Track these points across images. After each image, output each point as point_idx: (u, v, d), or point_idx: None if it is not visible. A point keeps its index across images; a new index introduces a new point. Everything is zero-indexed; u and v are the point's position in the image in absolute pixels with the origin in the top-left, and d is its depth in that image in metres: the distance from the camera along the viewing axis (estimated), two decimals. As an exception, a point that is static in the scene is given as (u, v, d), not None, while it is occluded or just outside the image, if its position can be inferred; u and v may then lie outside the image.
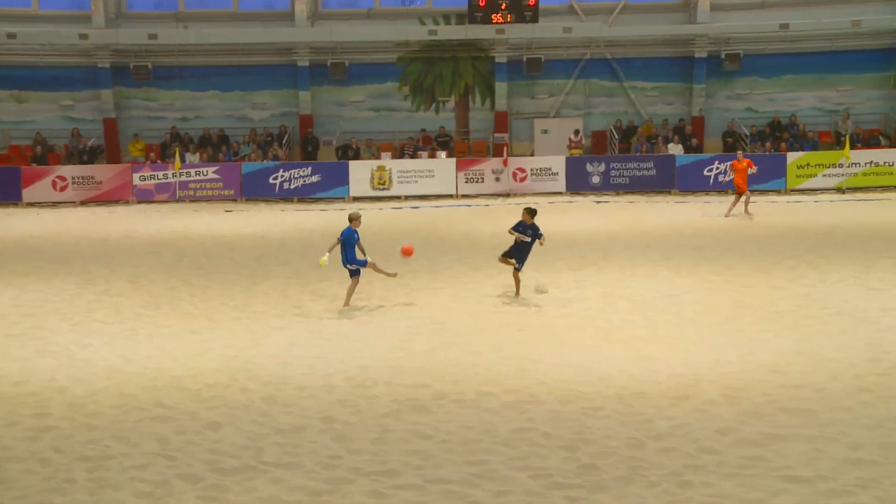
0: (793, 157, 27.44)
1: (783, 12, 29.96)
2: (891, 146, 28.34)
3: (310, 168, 28.28)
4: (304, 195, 27.97)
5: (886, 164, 27.19)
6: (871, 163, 27.22)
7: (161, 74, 31.25)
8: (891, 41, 29.85)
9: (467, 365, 11.36)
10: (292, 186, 27.99)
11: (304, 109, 31.08)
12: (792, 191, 27.02)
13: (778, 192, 26.88)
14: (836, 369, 10.79)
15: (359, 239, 14.21)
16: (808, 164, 27.26)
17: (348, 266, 14.24)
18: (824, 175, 26.99)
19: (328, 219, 24.49)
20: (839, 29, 29.58)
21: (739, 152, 25.26)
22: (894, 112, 29.93)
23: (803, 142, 28.95)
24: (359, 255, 14.23)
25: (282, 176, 28.02)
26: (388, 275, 14.54)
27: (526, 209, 14.88)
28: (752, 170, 23.23)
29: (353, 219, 14.25)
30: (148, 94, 31.42)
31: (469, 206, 26.45)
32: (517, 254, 14.77)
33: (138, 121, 31.32)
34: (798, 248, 18.27)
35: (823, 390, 10.12)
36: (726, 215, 22.75)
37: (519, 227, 14.73)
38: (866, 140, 28.85)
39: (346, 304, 14.22)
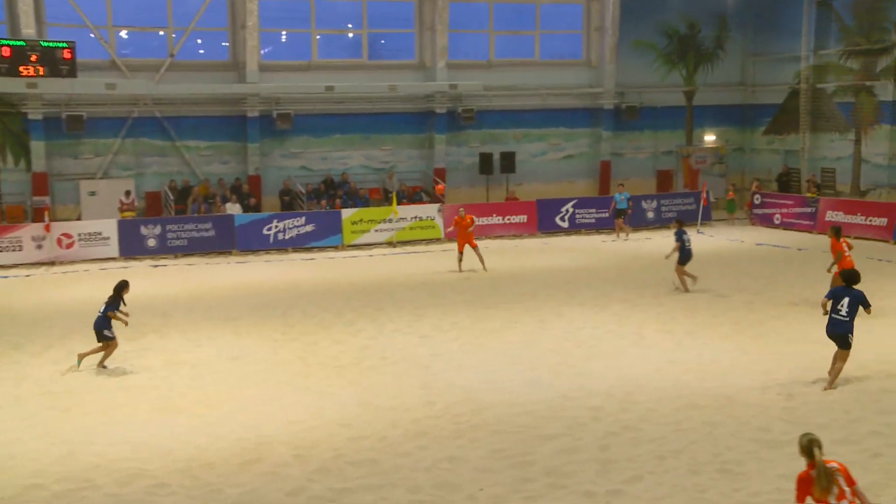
0: (347, 213, 28.68)
1: (328, 74, 31.41)
2: (432, 202, 30.89)
3: None
4: None
5: (429, 219, 29.54)
6: (416, 217, 29.36)
7: None
8: (424, 105, 32.77)
9: (4, 458, 9.97)
10: None
11: None
12: (348, 246, 28.17)
13: (336, 247, 27.86)
14: (396, 416, 11.20)
15: None
16: (361, 220, 28.65)
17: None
18: (377, 230, 28.51)
19: None
20: (379, 93, 31.80)
21: (461, 208, 24.57)
22: (430, 170, 32.76)
23: (356, 198, 30.48)
24: None
25: None
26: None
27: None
28: (471, 228, 22.78)
29: None
30: None
31: (6, 277, 23.76)
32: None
33: None
34: (355, 302, 18.94)
35: (385, 439, 10.42)
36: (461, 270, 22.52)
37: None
38: (411, 196, 31.19)
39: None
